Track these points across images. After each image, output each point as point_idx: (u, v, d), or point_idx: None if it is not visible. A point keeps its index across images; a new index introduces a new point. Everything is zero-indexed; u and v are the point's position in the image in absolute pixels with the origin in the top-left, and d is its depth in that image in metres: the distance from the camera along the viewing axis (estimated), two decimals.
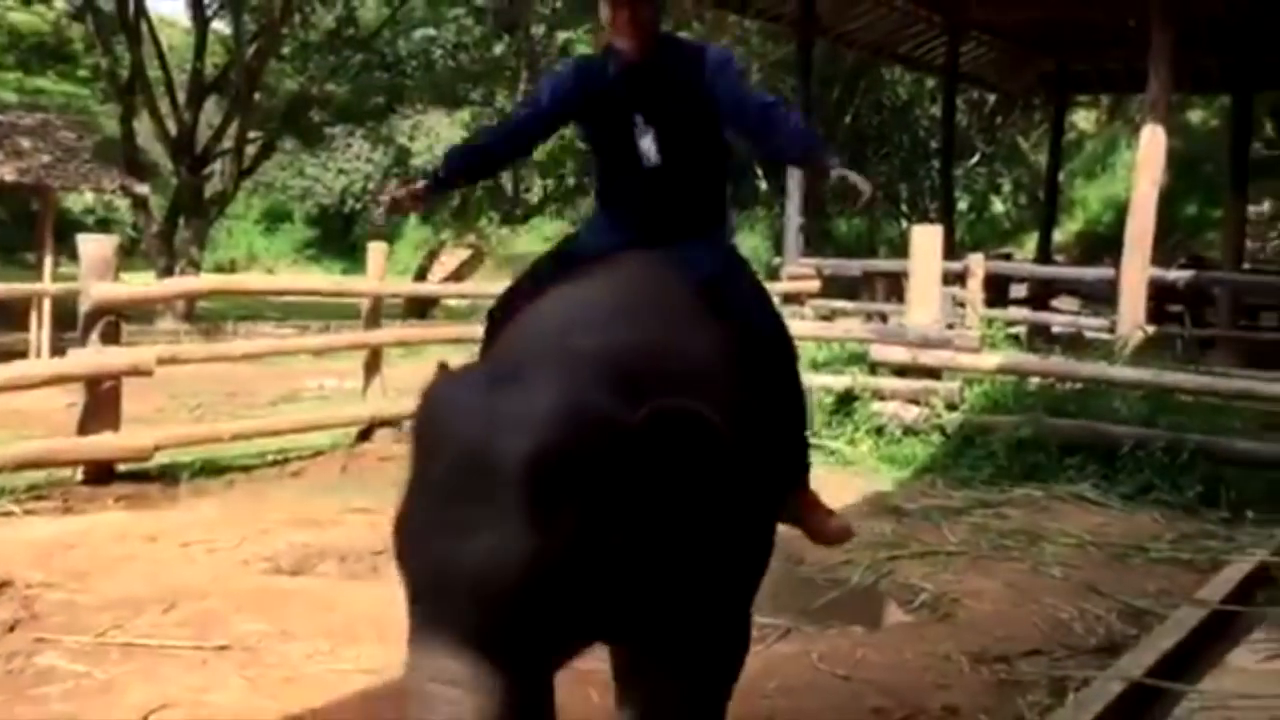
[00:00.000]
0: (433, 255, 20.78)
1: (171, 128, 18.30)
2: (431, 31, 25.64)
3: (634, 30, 2.58)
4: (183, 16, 22.50)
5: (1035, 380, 7.43)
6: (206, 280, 10.66)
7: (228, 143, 19.00)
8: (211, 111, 20.32)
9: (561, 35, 23.52)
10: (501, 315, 2.55)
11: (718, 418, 1.88)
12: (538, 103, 2.80)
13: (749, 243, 25.32)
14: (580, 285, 2.37)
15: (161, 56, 18.51)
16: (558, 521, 1.71)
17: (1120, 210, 14.81)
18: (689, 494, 1.89)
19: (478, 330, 9.91)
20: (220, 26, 20.69)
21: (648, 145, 2.63)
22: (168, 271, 16.64)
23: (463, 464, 1.75)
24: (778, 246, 14.18)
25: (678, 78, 2.60)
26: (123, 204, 21.90)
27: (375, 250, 7.52)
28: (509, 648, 1.71)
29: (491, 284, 17.38)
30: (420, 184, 2.81)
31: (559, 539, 1.71)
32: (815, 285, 11.64)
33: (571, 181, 25.09)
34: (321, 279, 19.77)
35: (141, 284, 7.13)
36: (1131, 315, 9.75)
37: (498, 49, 23.88)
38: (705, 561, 2.06)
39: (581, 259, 2.56)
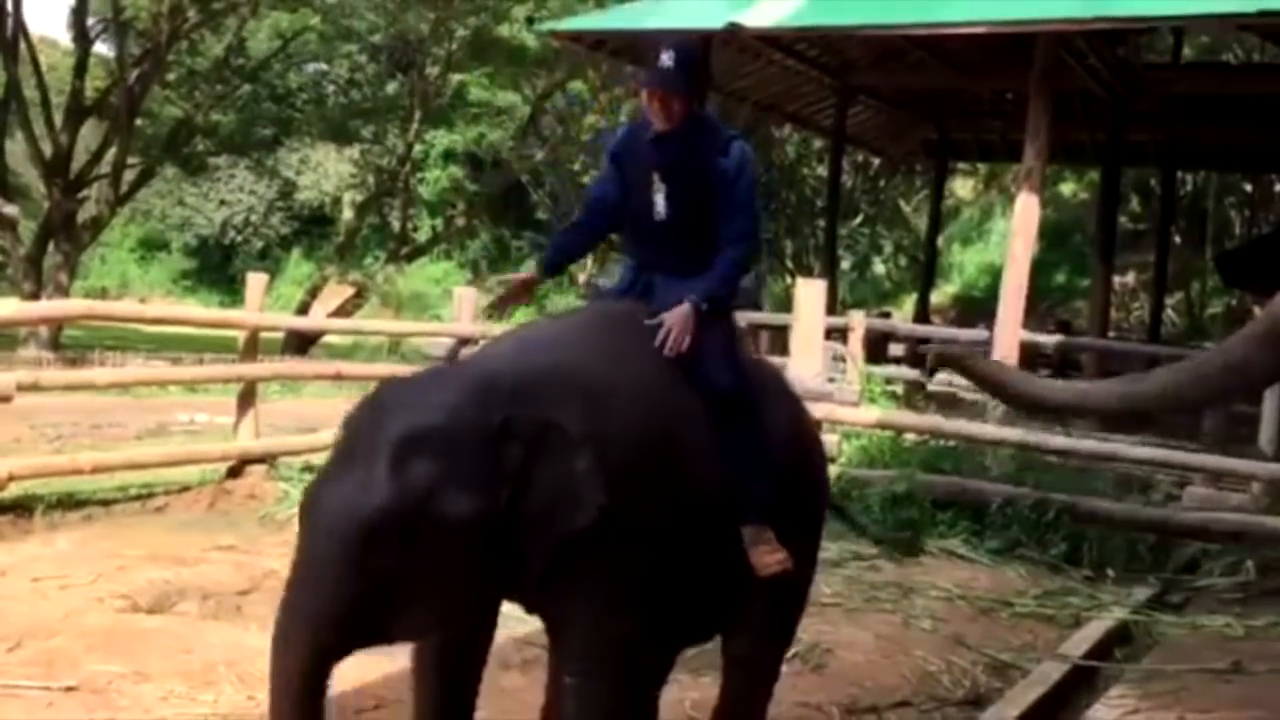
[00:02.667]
0: (315, 291, 20.40)
1: (46, 149, 17.70)
2: (324, 66, 25.37)
3: (664, 116, 3.06)
4: (64, 37, 21.88)
5: (911, 436, 7.58)
6: (74, 305, 10.23)
7: (105, 167, 18.45)
8: (90, 135, 19.72)
9: (456, 78, 23.48)
10: None
11: (583, 430, 2.48)
12: (604, 170, 3.30)
13: None
14: (556, 320, 3.07)
15: (39, 75, 17.92)
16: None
17: (994, 275, 15.33)
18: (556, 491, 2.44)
19: (360, 368, 9.79)
20: (103, 49, 20.16)
21: (660, 201, 3.09)
22: (34, 297, 15.97)
23: (348, 446, 2.43)
24: None
25: (697, 152, 3.07)
26: None
27: (254, 281, 7.33)
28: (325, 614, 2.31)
29: (374, 320, 17.18)
30: (529, 273, 3.26)
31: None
32: None
33: (461, 222, 24.94)
34: (196, 309, 19.29)
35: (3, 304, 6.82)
36: None
37: (391, 88, 23.69)
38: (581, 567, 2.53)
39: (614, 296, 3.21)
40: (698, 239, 3.10)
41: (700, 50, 3.25)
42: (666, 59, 3.05)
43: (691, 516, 2.80)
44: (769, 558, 2.93)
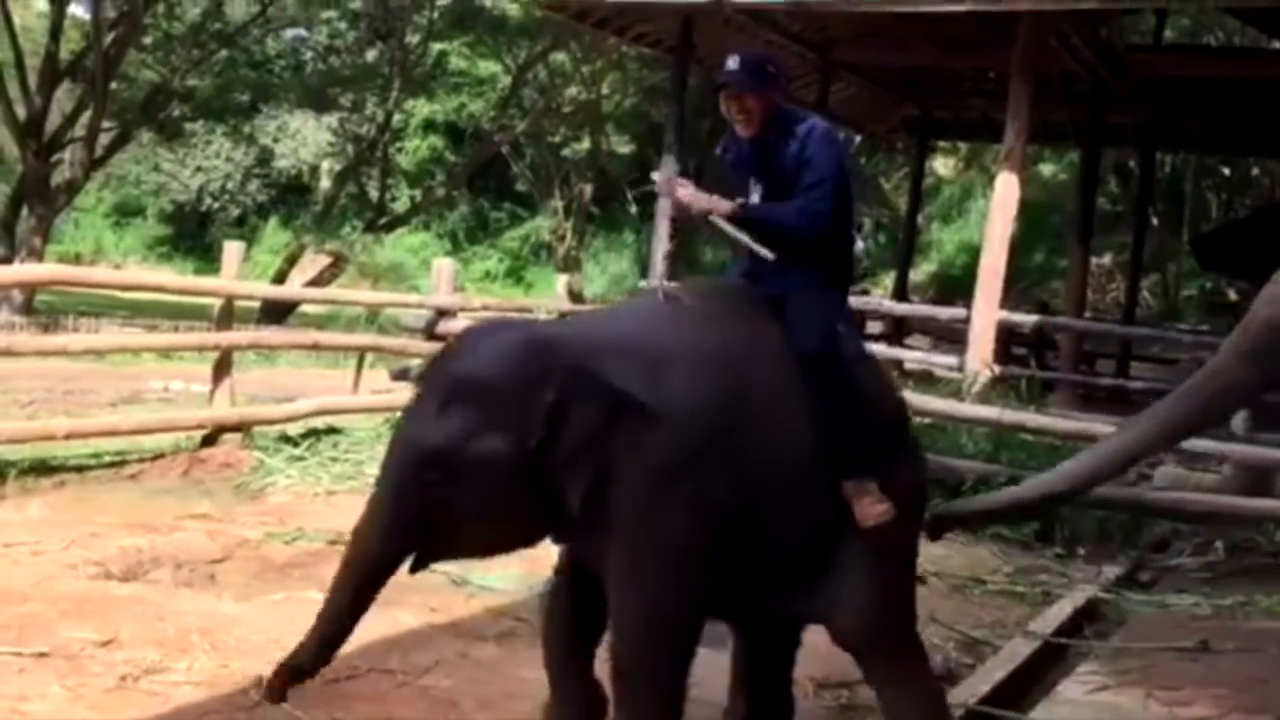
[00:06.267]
0: (292, 260, 20.24)
1: (20, 112, 17.46)
2: (303, 32, 25.08)
3: (743, 119, 3.14)
4: None
5: None
6: (48, 269, 10.14)
7: (80, 131, 18.22)
8: (64, 99, 19.46)
9: (436, 46, 23.26)
10: None
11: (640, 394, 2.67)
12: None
13: (616, 266, 25.46)
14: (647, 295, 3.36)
15: (13, 37, 17.66)
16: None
17: (973, 254, 15.36)
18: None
19: (336, 338, 9.72)
20: (79, 11, 19.87)
21: (755, 201, 3.17)
22: (7, 261, 15.79)
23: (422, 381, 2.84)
24: (644, 271, 14.25)
25: (782, 149, 3.13)
26: None
27: (231, 249, 7.29)
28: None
29: (352, 291, 17.07)
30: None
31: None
32: None
33: (440, 192, 24.79)
34: (171, 276, 19.13)
35: None
36: (980, 355, 10.07)
37: (370, 55, 23.44)
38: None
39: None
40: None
41: (771, 55, 3.52)
42: (732, 63, 3.16)
43: (773, 485, 2.84)
44: (871, 509, 2.93)
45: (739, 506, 2.81)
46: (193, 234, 27.89)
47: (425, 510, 2.65)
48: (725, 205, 3.12)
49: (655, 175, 3.40)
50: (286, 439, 7.26)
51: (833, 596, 2.98)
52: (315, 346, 9.34)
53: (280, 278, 18.90)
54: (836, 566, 2.96)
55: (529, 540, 2.87)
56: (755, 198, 3.18)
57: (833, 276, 3.20)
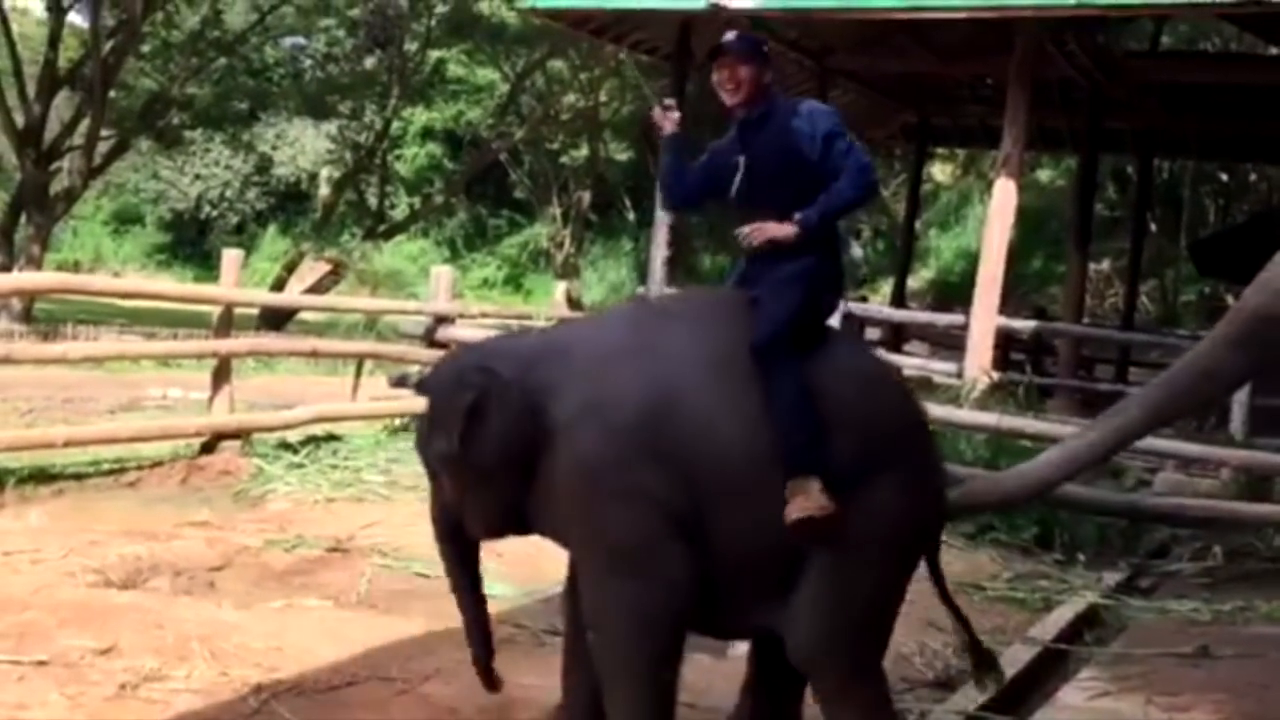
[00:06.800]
0: (291, 267, 20.26)
1: (19, 120, 17.48)
2: (301, 40, 25.11)
3: (734, 85, 3.15)
4: (37, 6, 21.55)
5: None
6: (47, 277, 10.15)
7: (78, 139, 18.23)
8: (63, 106, 19.47)
9: (434, 54, 23.30)
10: None
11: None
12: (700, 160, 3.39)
13: (615, 273, 25.47)
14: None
15: (12, 45, 17.68)
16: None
17: (971, 261, 15.38)
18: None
19: (335, 345, 9.73)
20: (77, 20, 19.88)
21: (739, 182, 3.16)
22: (6, 269, 15.82)
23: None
24: (642, 278, 14.26)
25: (773, 128, 3.13)
26: None
27: (230, 257, 7.30)
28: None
29: (351, 298, 17.08)
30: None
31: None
32: None
33: (439, 200, 24.80)
34: (170, 284, 19.14)
35: None
36: (978, 361, 10.08)
37: (369, 63, 23.48)
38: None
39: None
40: (768, 215, 3.08)
41: (767, 39, 3.73)
42: (728, 35, 3.22)
43: (725, 487, 2.75)
44: (800, 504, 2.73)
45: (684, 506, 2.72)
46: (192, 242, 27.91)
47: (442, 503, 3.05)
48: (786, 229, 3.03)
49: (665, 103, 3.34)
50: (285, 446, 7.26)
51: (787, 609, 2.80)
52: (314, 354, 9.34)
53: (279, 285, 18.92)
54: (796, 578, 2.80)
55: (501, 527, 3.03)
56: (738, 177, 3.14)
57: (822, 274, 3.08)
